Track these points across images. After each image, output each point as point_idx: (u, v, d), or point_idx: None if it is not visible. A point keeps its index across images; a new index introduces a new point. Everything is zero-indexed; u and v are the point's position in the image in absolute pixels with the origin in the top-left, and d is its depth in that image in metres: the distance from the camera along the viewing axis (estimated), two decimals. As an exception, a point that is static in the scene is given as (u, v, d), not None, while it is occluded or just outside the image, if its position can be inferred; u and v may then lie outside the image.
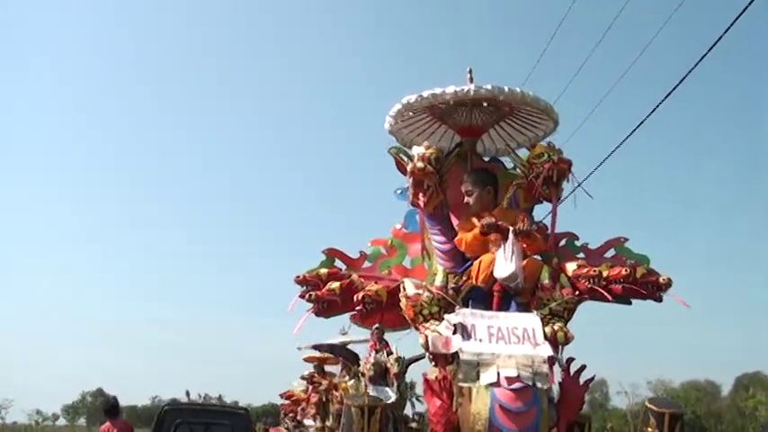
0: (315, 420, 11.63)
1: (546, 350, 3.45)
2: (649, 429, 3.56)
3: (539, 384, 3.32)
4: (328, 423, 8.84)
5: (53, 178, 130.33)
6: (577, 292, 3.85)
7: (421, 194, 4.10)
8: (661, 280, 3.95)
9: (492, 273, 3.84)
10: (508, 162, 4.65)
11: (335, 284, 4.15)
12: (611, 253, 4.29)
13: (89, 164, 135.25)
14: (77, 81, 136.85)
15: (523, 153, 4.34)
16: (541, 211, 4.45)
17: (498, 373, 3.31)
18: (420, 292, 3.81)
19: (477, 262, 3.97)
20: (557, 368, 3.57)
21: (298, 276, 4.24)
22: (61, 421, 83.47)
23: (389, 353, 8.34)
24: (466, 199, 4.19)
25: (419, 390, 7.22)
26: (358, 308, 4.08)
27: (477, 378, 3.34)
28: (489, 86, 4.11)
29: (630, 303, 4.03)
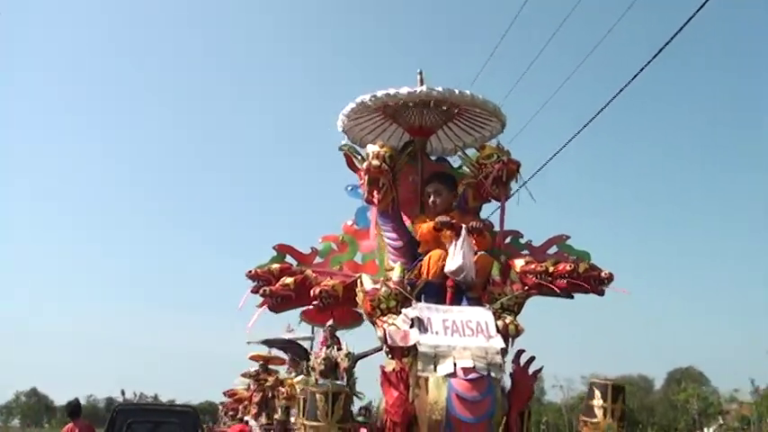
0: (257, 419, 11.60)
1: (499, 342, 3.60)
2: (594, 401, 3.75)
3: (493, 374, 3.45)
4: (277, 416, 8.88)
5: None
6: (526, 287, 4.05)
7: (375, 192, 4.19)
8: (603, 275, 4.18)
9: (442, 267, 3.98)
10: (454, 162, 4.80)
11: (289, 280, 4.17)
12: (553, 250, 4.49)
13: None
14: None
15: (471, 153, 4.48)
16: (486, 210, 4.62)
17: (455, 364, 3.43)
18: (378, 286, 3.87)
19: (426, 258, 4.10)
20: (507, 360, 3.71)
21: (249, 271, 4.24)
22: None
23: (339, 348, 8.46)
24: (433, 198, 4.29)
25: (359, 386, 7.33)
26: (315, 302, 4.12)
27: (435, 369, 3.44)
28: (441, 88, 4.25)
29: (573, 297, 4.23)
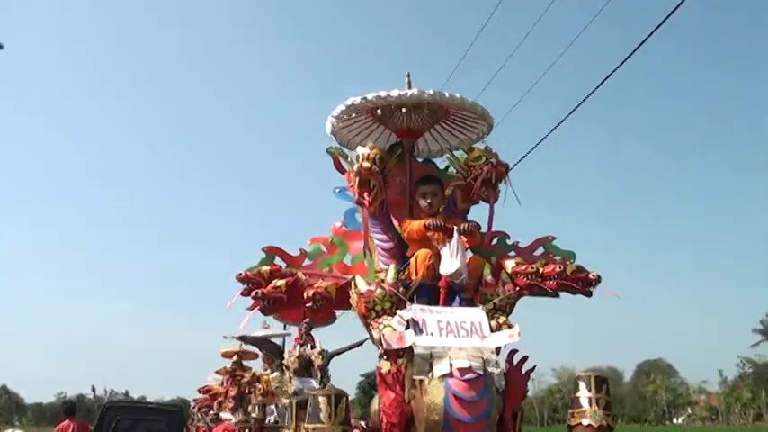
0: (233, 414, 11.60)
1: (493, 342, 3.67)
2: (579, 393, 3.83)
3: (491, 370, 3.51)
4: (254, 414, 8.88)
5: None
6: (518, 288, 4.11)
7: (366, 194, 4.21)
8: (591, 276, 4.26)
9: (429, 267, 4.03)
10: (440, 163, 4.85)
11: (281, 282, 4.17)
12: (540, 251, 4.56)
13: None
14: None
15: (458, 155, 4.52)
16: (473, 212, 4.67)
17: (451, 365, 3.47)
18: (372, 288, 3.90)
19: (413, 259, 4.13)
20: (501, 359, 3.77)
21: (240, 274, 4.22)
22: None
23: (313, 346, 8.50)
24: (429, 199, 4.31)
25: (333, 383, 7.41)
26: (308, 305, 4.13)
27: (431, 370, 3.49)
28: (432, 91, 4.28)
29: (558, 296, 4.30)
